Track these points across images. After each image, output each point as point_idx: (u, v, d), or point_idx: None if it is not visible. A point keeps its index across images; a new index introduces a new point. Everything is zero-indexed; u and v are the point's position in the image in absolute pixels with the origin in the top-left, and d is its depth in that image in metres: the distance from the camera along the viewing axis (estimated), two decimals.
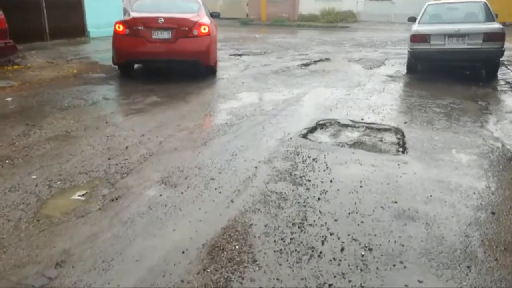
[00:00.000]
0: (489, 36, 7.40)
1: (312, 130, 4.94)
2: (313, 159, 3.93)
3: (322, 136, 4.72)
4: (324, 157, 3.99)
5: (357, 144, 4.44)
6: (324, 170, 3.68)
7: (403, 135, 4.74)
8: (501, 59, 7.89)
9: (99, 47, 11.98)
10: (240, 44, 13.78)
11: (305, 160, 3.92)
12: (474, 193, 3.28)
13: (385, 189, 3.33)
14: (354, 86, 7.33)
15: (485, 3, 8.26)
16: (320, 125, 5.12)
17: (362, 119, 5.32)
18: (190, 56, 7.27)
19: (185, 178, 3.43)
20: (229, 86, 7.25)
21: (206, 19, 7.68)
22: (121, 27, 7.25)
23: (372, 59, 10.75)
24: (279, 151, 4.14)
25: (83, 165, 3.68)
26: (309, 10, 25.36)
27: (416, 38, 7.86)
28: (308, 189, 3.30)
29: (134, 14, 7.46)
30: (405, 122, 5.20)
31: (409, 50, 8.10)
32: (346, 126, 5.12)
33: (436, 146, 4.34)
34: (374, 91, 6.99)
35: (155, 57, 7.31)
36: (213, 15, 9.03)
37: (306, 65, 9.84)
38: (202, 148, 4.17)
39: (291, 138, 4.56)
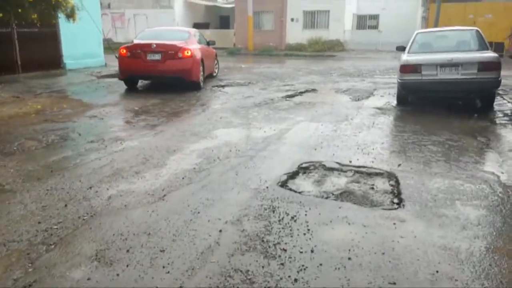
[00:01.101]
0: (484, 66, 6.92)
1: (293, 175, 4.28)
2: (292, 218, 3.24)
3: (304, 184, 4.05)
4: (305, 214, 3.31)
5: (344, 195, 3.77)
6: (305, 234, 2.99)
7: (397, 182, 4.09)
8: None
9: (74, 80, 11.39)
10: (224, 74, 13.27)
11: (282, 218, 3.23)
12: (490, 265, 2.61)
13: (380, 261, 2.64)
14: (341, 121, 6.73)
15: (477, 31, 7.84)
16: (303, 169, 4.47)
17: (350, 162, 4.68)
18: (175, 73, 9.35)
19: (127, 251, 2.71)
20: (205, 122, 6.61)
21: (193, 45, 9.87)
22: (124, 51, 9.61)
23: (360, 89, 10.25)
24: (251, 206, 3.45)
25: (3, 232, 2.95)
26: (296, 39, 25.22)
27: (406, 68, 7.35)
28: (282, 264, 2.60)
29: (135, 41, 9.96)
30: (399, 165, 4.56)
31: (399, 81, 7.58)
32: (332, 170, 4.47)
33: (437, 196, 3.68)
34: (363, 126, 6.39)
35: (149, 74, 9.61)
36: (210, 43, 11.85)
37: (291, 96, 9.29)
38: (158, 204, 3.46)
39: (267, 187, 3.88)
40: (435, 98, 8.15)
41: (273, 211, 3.36)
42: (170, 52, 9.23)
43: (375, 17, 26.52)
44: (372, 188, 4.00)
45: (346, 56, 21.86)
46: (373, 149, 5.18)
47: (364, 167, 4.52)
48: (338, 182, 4.14)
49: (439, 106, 7.78)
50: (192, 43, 9.99)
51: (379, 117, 7.05)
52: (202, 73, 10.16)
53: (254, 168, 4.44)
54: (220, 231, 3.01)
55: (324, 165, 4.59)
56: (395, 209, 3.47)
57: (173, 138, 5.57)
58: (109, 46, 14.54)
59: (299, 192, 3.84)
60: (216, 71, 12.63)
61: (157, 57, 9.24)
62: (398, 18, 23.43)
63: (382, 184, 4.11)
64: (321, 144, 5.40)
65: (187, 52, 9.34)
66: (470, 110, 7.57)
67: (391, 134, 5.97)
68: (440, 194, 3.73)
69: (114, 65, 13.62)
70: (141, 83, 10.71)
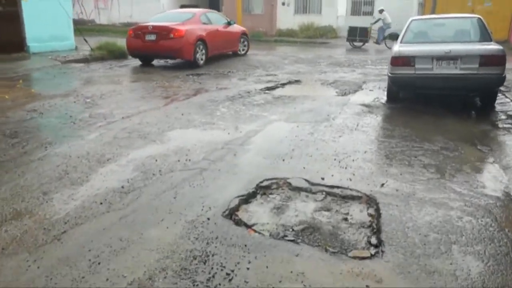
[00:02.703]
0: (487, 60, 6.00)
1: (248, 198, 3.38)
2: (227, 274, 2.35)
3: (259, 213, 3.16)
4: (247, 268, 2.42)
5: (307, 233, 2.88)
6: None
7: (378, 210, 3.20)
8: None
9: (35, 65, 10.32)
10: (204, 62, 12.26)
11: (213, 276, 2.33)
12: None
13: None
14: (321, 121, 5.81)
15: (479, 19, 6.90)
16: (263, 189, 3.57)
17: (323, 179, 3.77)
18: (167, 52, 10.41)
19: None
20: (161, 119, 5.66)
21: (188, 26, 10.64)
22: (131, 32, 10.82)
23: (349, 81, 9.30)
24: (177, 252, 2.55)
25: None
26: (287, 25, 24.05)
27: (398, 61, 6.41)
28: None
29: (140, 24, 11.38)
30: (382, 184, 3.67)
31: (390, 75, 6.64)
32: (299, 190, 3.58)
33: (427, 238, 2.80)
34: (345, 128, 5.47)
35: (146, 52, 10.74)
36: (231, 23, 12.94)
37: (271, 89, 8.33)
38: (47, 249, 2.55)
39: (208, 219, 2.97)
40: (430, 95, 7.23)
41: (205, 262, 2.45)
42: (163, 33, 10.23)
43: (370, 2, 25.37)
44: (346, 219, 3.11)
45: (339, 43, 20.79)
46: (353, 160, 4.28)
47: (338, 187, 3.62)
48: (304, 209, 3.25)
49: (434, 103, 6.87)
50: (189, 24, 10.76)
51: (365, 117, 6.12)
52: (202, 52, 10.89)
53: (200, 187, 3.52)
54: None
55: (289, 184, 3.68)
56: (371, 257, 2.58)
57: (114, 142, 4.62)
58: (77, 29, 13.39)
59: (250, 226, 2.93)
60: (242, 49, 13.72)
61: (153, 37, 10.33)
62: (394, 3, 22.29)
63: (358, 213, 3.22)
64: (291, 152, 4.49)
65: (178, 33, 10.20)
66: (468, 109, 6.69)
67: (377, 140, 5.06)
68: (431, 234, 2.84)
69: (85, 49, 12.57)
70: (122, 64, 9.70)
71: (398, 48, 6.60)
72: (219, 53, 12.28)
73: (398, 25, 10.55)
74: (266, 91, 8.04)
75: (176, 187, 3.49)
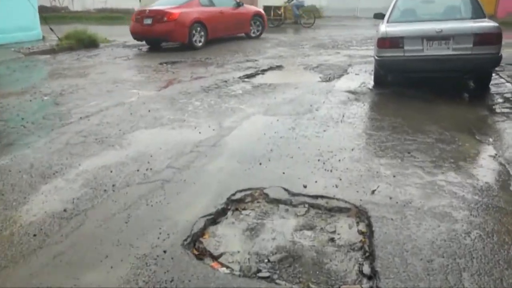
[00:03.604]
0: (481, 38, 5.49)
1: (216, 217, 2.85)
2: None
3: (227, 238, 2.63)
4: None
5: (285, 264, 2.36)
6: None
7: (369, 226, 2.70)
8: None
9: None
10: (181, 47, 11.57)
11: None
12: None
13: None
14: (304, 113, 5.26)
15: None
16: (234, 203, 3.04)
17: (305, 186, 3.25)
18: (161, 35, 10.80)
19: None
20: (125, 117, 5.05)
21: (184, 9, 10.81)
22: (133, 16, 11.31)
23: (333, 65, 8.73)
24: None
25: None
26: (269, 3, 23.19)
27: (385, 42, 5.86)
28: None
29: (140, 8, 12.25)
30: (373, 191, 3.16)
31: (377, 58, 6.09)
32: (278, 203, 3.05)
33: (432, 265, 2.30)
34: (330, 120, 4.94)
35: (144, 35, 11.21)
36: (240, 4, 12.67)
37: (250, 76, 7.73)
38: None
39: (165, 252, 2.43)
40: (420, 78, 6.71)
41: None
42: (158, 16, 10.56)
43: None
44: (332, 240, 2.60)
45: (322, 23, 20.10)
46: (339, 160, 3.75)
47: (323, 197, 3.10)
48: (282, 229, 2.73)
49: (424, 87, 6.35)
50: (186, 7, 10.92)
51: (352, 106, 5.59)
52: (201, 34, 11.09)
53: (159, 206, 2.96)
54: None
55: (266, 195, 3.15)
56: None
57: (65, 150, 4.02)
58: (43, 17, 12.50)
59: (216, 258, 2.40)
60: (256, 31, 13.39)
61: (149, 21, 10.66)
62: None
63: (347, 230, 2.72)
64: (270, 153, 3.94)
65: (171, 16, 10.49)
66: (461, 92, 6.21)
67: (365, 134, 4.53)
68: (435, 259, 2.34)
69: (52, 39, 11.75)
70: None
71: (384, 28, 6.04)
72: (225, 35, 12.29)
73: (384, 3, 9.95)
74: (245, 79, 7.47)
75: (130, 207, 2.93)
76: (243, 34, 13.20)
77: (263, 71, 8.28)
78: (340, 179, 3.38)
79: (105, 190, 3.18)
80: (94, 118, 5.04)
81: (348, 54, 10.19)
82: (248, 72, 8.09)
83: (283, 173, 3.51)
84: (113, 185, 3.27)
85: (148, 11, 10.90)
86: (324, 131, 4.58)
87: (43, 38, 12.42)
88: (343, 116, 5.11)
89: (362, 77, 7.38)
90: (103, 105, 5.56)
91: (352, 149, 4.02)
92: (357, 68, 8.31)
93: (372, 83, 6.82)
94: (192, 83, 7.11)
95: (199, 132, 4.58)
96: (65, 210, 2.88)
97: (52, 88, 6.70)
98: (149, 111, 5.37)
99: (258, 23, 13.46)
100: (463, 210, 2.87)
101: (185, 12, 10.80)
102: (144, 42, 11.75)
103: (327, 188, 3.23)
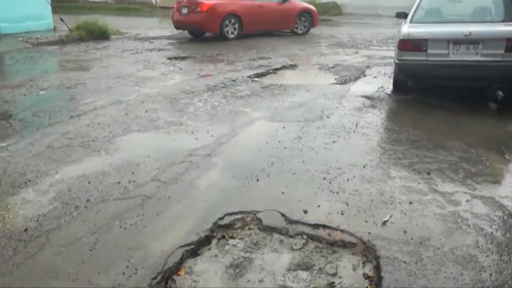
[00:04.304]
0: None
1: (197, 248, 2.44)
2: None
3: (206, 276, 2.22)
4: None
5: None
6: None
7: (378, 269, 2.25)
8: None
9: (1, 48, 9.26)
10: (193, 40, 11.22)
11: None
12: None
13: None
14: (313, 120, 4.80)
15: None
16: (221, 229, 2.62)
17: (306, 212, 2.81)
18: (194, 25, 10.95)
19: None
20: (118, 118, 4.68)
21: (218, 1, 10.87)
22: (175, 6, 11.35)
23: (350, 66, 8.21)
24: None
25: None
26: None
27: (407, 44, 5.34)
28: None
29: None
30: (384, 222, 2.70)
31: (397, 61, 5.57)
32: (272, 232, 2.62)
33: None
34: (341, 130, 4.47)
35: (180, 24, 11.39)
36: (285, 0, 12.16)
37: (260, 75, 7.29)
38: None
39: None
40: (443, 85, 6.14)
41: None
42: (192, 6, 10.74)
43: None
44: (332, 286, 2.17)
45: (342, 21, 19.48)
46: (348, 180, 3.30)
47: (326, 227, 2.66)
48: (273, 267, 2.30)
49: (447, 95, 5.81)
50: None
51: (367, 113, 5.10)
52: (234, 26, 11.12)
53: (133, 230, 2.57)
54: None
55: (260, 221, 2.72)
56: None
57: (45, 154, 3.65)
58: (53, 6, 12.24)
59: None
60: (302, 28, 12.88)
61: (185, 11, 10.90)
62: None
63: (351, 272, 2.28)
64: (270, 167, 3.51)
65: (204, 6, 10.60)
66: (489, 103, 5.66)
67: (379, 148, 4.05)
68: None
69: (63, 29, 11.49)
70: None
71: (407, 29, 5.51)
72: (265, 29, 12.07)
73: (408, 1, 9.32)
74: (255, 79, 7.05)
75: (100, 230, 2.54)
76: (287, 30, 12.85)
77: (275, 70, 7.82)
78: (347, 204, 2.93)
79: (76, 206, 2.80)
80: (85, 117, 4.68)
81: (367, 55, 9.63)
82: (259, 71, 7.64)
83: (282, 193, 3.08)
84: (87, 200, 2.88)
85: (186, 0, 10.98)
86: (334, 142, 4.12)
87: (54, 28, 12.17)
88: (357, 125, 4.63)
89: (381, 81, 6.86)
90: (98, 103, 5.20)
91: (364, 166, 3.56)
92: (376, 70, 7.77)
93: (390, 87, 6.30)
94: (197, 81, 6.71)
95: (196, 138, 4.17)
96: (25, 230, 2.51)
97: (51, 81, 6.38)
98: (146, 111, 4.98)
99: (304, 19, 12.93)
100: (492, 254, 2.39)
101: (219, 4, 10.85)
102: (162, 35, 11.67)
103: (331, 215, 2.79)
